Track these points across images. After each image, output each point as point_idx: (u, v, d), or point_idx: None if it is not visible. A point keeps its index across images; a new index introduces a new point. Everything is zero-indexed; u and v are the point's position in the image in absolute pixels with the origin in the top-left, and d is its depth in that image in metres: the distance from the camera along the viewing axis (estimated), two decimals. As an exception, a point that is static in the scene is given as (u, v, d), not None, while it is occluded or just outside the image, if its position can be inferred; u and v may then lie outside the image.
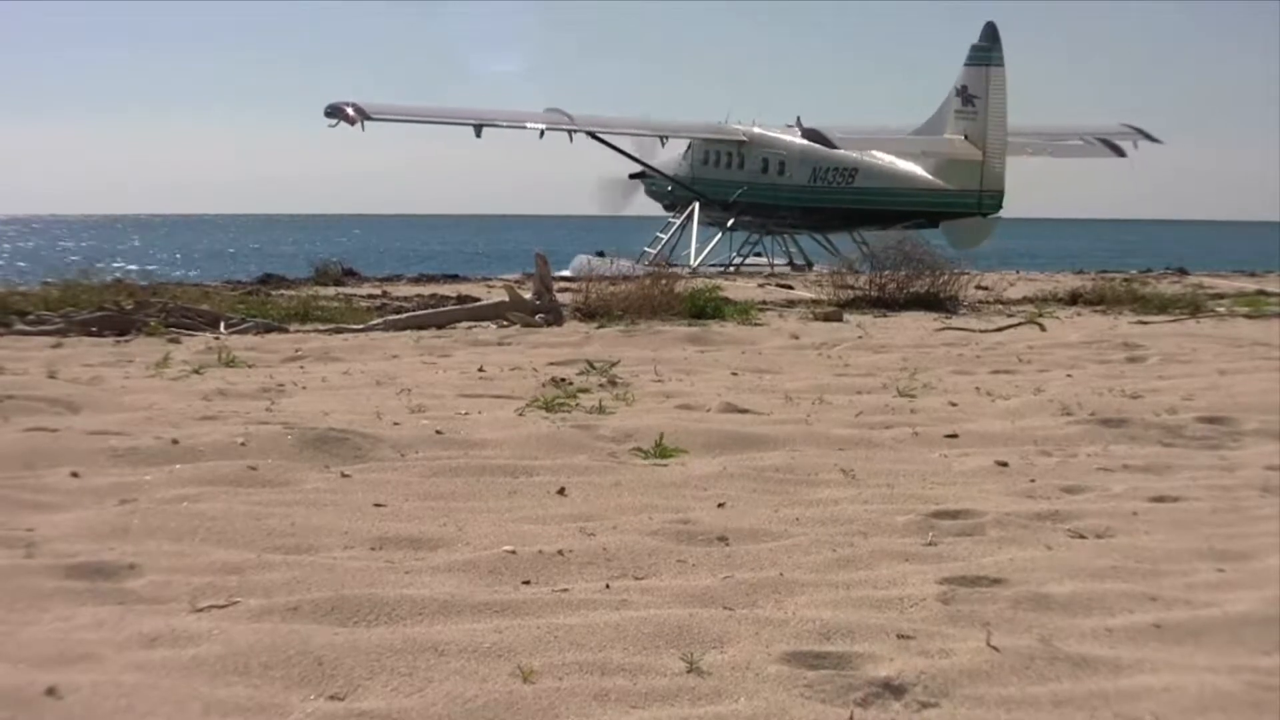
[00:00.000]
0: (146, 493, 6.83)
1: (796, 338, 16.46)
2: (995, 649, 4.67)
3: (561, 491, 7.20)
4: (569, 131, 33.30)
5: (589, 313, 19.13)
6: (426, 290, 25.43)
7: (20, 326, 16.43)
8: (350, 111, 30.45)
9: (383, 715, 4.09)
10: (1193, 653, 4.79)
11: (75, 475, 7.19)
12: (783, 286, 27.44)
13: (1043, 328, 18.08)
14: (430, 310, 19.59)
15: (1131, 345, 15.05)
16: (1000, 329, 17.83)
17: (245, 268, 44.26)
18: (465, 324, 18.32)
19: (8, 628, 4.74)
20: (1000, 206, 31.69)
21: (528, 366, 12.85)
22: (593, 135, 34.14)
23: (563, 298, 19.91)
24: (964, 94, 31.23)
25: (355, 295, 23.88)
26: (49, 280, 20.66)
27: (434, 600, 5.15)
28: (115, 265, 36.88)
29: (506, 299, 19.11)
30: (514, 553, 5.84)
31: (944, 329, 17.92)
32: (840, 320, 19.30)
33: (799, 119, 34.76)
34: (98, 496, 6.76)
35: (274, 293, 23.66)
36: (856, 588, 5.52)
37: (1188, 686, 4.39)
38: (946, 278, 22.41)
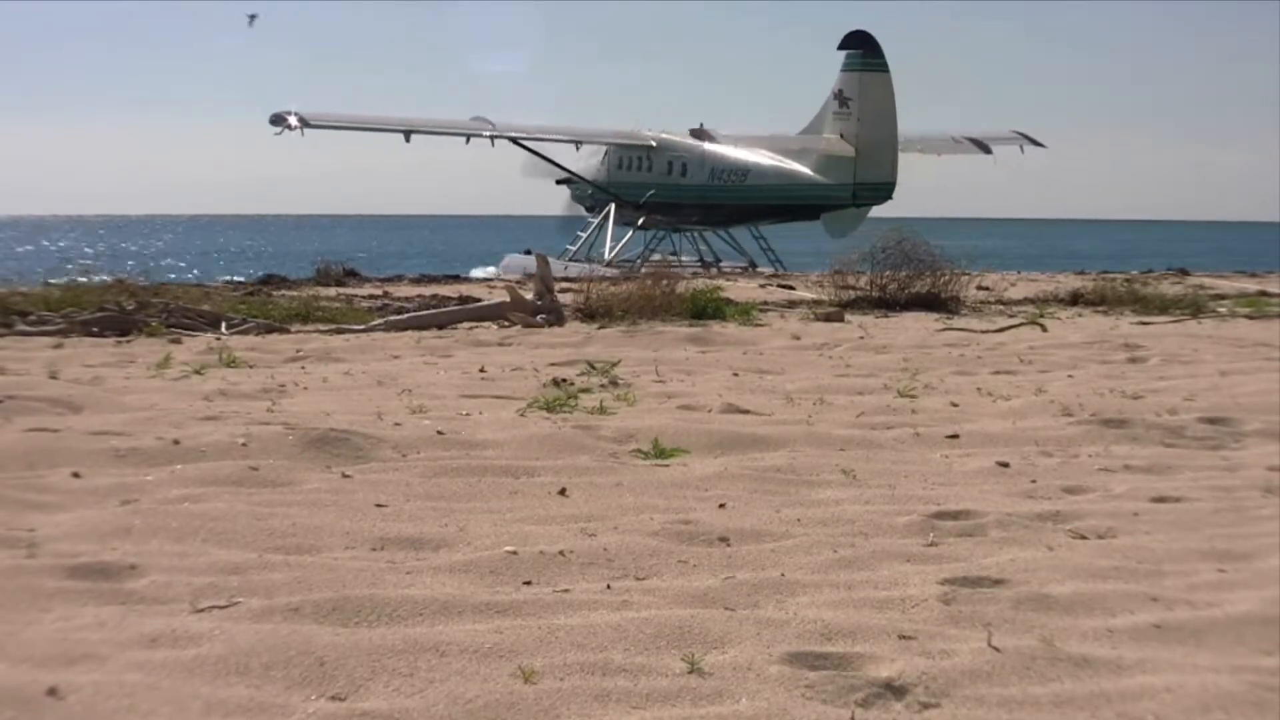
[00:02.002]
0: (148, 493, 6.83)
1: (798, 338, 16.46)
2: (996, 649, 4.67)
3: (563, 492, 7.20)
4: (491, 137, 35.93)
5: (590, 313, 19.14)
6: (428, 291, 25.45)
7: (22, 327, 16.44)
8: (292, 120, 32.98)
9: (384, 715, 4.09)
10: (1194, 653, 4.79)
11: (77, 475, 7.20)
12: (784, 287, 27.52)
13: (1044, 328, 18.07)
14: (431, 311, 19.59)
15: (1133, 346, 15.04)
16: (1001, 329, 17.83)
17: (246, 268, 44.76)
18: (466, 324, 18.33)
19: (9, 628, 4.74)
20: (886, 198, 35.24)
21: (529, 367, 12.85)
22: (514, 141, 36.76)
23: (564, 298, 19.93)
24: (840, 97, 35.02)
25: (356, 296, 23.90)
26: (50, 281, 20.68)
27: (435, 600, 5.15)
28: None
29: (508, 299, 19.12)
30: (515, 553, 5.84)
31: (945, 329, 17.92)
32: (841, 320, 19.30)
33: (701, 124, 38.39)
34: (99, 497, 6.76)
35: (275, 293, 23.67)
36: (858, 588, 5.52)
37: (1189, 686, 4.39)
38: (948, 278, 22.41)
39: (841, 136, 34.73)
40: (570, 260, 36.04)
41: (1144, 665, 4.64)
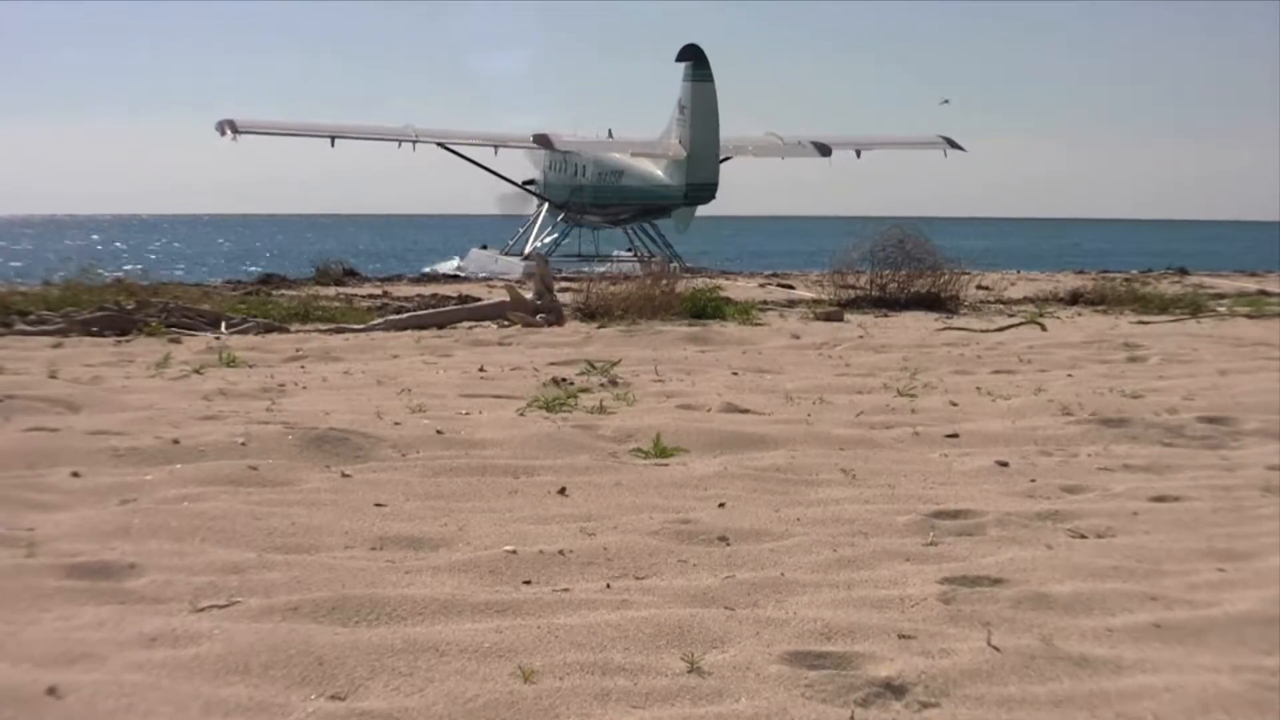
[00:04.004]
0: (147, 492, 6.84)
1: (797, 337, 16.46)
2: (996, 649, 4.67)
3: (562, 491, 7.20)
4: (413, 142, 38.37)
5: (590, 313, 19.16)
6: (427, 290, 25.49)
7: (21, 326, 16.46)
8: (228, 131, 35.51)
9: (383, 715, 4.09)
10: (1194, 652, 4.79)
11: (76, 475, 7.20)
12: (784, 286, 27.55)
13: (1043, 328, 18.07)
14: (431, 310, 19.62)
15: (1132, 345, 15.05)
16: (1001, 329, 17.83)
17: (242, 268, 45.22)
18: (466, 324, 18.33)
19: (9, 627, 4.74)
20: (710, 197, 37.90)
21: (528, 366, 12.85)
22: (441, 145, 39.24)
23: (564, 298, 19.94)
24: (680, 105, 37.60)
25: (356, 295, 23.94)
26: (50, 280, 20.71)
27: (435, 600, 5.15)
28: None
29: (508, 299, 19.13)
30: (515, 552, 5.84)
31: (945, 329, 17.92)
32: (841, 320, 19.31)
33: (610, 130, 41.40)
34: (99, 496, 6.76)
35: (275, 293, 23.71)
36: (857, 587, 5.52)
37: (1189, 686, 4.39)
38: (947, 277, 22.42)
39: (679, 141, 37.50)
40: (504, 254, 39.97)
41: (1143, 665, 4.64)
